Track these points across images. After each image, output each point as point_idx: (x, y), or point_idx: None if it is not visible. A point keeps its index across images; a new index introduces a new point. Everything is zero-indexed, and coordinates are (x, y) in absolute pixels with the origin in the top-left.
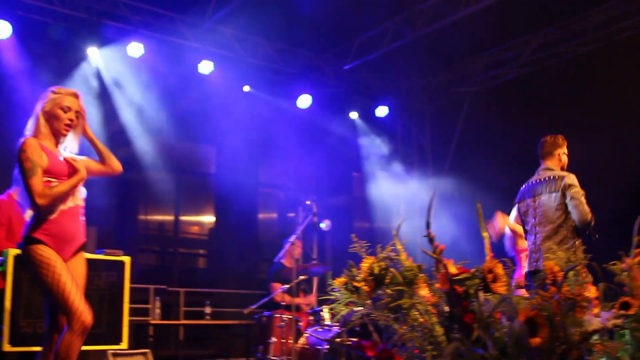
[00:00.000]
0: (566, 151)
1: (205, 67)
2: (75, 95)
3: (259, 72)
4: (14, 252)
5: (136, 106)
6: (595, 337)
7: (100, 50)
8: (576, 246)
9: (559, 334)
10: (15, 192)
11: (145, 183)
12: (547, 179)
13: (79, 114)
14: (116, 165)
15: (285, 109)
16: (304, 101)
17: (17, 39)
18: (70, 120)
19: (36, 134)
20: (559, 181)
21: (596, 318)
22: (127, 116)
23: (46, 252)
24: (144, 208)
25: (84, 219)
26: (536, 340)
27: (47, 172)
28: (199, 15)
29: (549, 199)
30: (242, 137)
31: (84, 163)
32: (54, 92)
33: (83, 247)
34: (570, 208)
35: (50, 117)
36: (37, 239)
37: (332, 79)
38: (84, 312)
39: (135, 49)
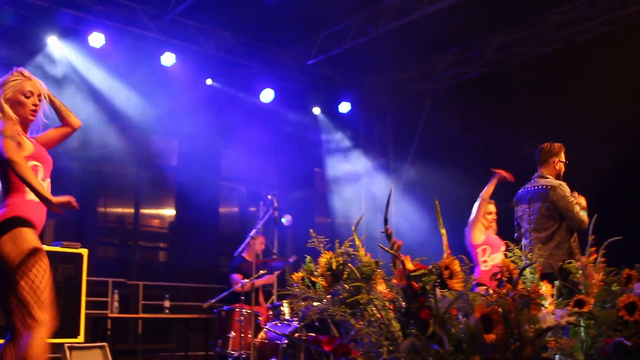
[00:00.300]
0: (563, 158)
1: (168, 59)
2: (33, 78)
3: (222, 65)
4: None
5: (97, 97)
6: (550, 334)
7: (60, 40)
8: (572, 247)
9: (513, 331)
10: None
11: (105, 175)
12: (539, 187)
13: (40, 97)
14: (75, 121)
15: (248, 102)
16: (267, 95)
17: None
18: (35, 105)
19: (6, 121)
20: (550, 192)
21: (550, 315)
22: (88, 108)
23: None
24: (103, 200)
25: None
26: (491, 337)
27: (32, 157)
28: (161, 6)
29: (541, 208)
30: (204, 130)
31: (46, 136)
32: (12, 78)
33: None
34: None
35: (14, 104)
36: (25, 220)
37: (295, 73)
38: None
39: (97, 39)
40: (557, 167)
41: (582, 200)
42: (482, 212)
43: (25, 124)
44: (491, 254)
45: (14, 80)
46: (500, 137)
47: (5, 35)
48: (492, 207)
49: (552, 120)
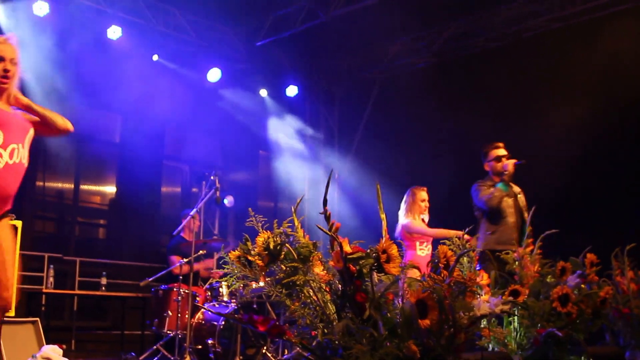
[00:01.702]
0: (493, 156)
1: (114, 32)
2: (5, 42)
3: (170, 41)
4: None
5: (39, 69)
6: (484, 322)
7: (2, 5)
8: (488, 238)
9: (448, 317)
10: None
11: (45, 149)
12: None
13: (14, 61)
14: (63, 125)
15: (194, 81)
16: (214, 75)
17: None
18: (6, 70)
19: None
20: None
21: (485, 303)
22: (28, 78)
23: None
24: (42, 174)
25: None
26: (425, 322)
27: None
28: None
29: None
30: (148, 107)
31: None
32: None
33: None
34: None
35: None
36: None
37: (243, 54)
38: None
39: (40, 7)
40: (488, 168)
41: (510, 164)
42: (416, 201)
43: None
44: (427, 245)
45: None
46: (446, 127)
47: None
48: (424, 194)
49: (498, 112)
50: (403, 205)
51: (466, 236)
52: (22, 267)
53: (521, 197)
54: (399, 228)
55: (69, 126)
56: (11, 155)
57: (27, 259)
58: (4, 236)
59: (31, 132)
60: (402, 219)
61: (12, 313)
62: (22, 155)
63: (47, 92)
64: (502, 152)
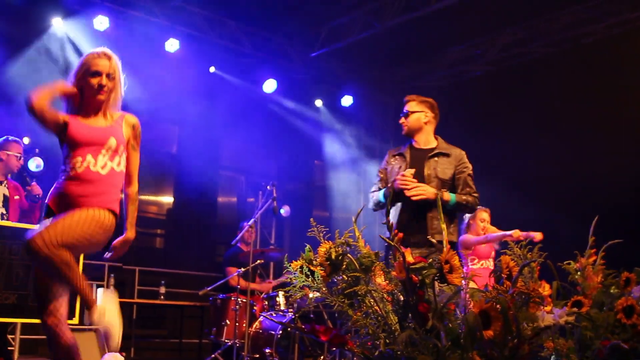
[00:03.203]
0: None
1: (172, 45)
2: (102, 56)
3: (226, 53)
4: None
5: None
6: (547, 334)
7: (65, 22)
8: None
9: (511, 328)
10: None
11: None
12: None
13: (112, 76)
14: (133, 192)
15: (250, 92)
16: (270, 86)
17: None
18: (101, 85)
19: (73, 103)
20: None
21: (549, 314)
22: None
23: None
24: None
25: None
26: (489, 333)
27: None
28: None
29: None
30: (205, 118)
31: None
32: (85, 56)
33: None
34: None
35: (84, 84)
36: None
37: (299, 65)
38: None
39: (101, 22)
40: None
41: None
42: (476, 220)
43: (95, 105)
44: (479, 261)
45: (87, 58)
46: (502, 135)
47: (11, 14)
48: (486, 215)
49: (555, 120)
50: (466, 222)
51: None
52: (85, 276)
53: None
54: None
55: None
56: (74, 167)
57: (88, 268)
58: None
59: (111, 142)
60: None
61: (75, 321)
62: (89, 163)
63: None
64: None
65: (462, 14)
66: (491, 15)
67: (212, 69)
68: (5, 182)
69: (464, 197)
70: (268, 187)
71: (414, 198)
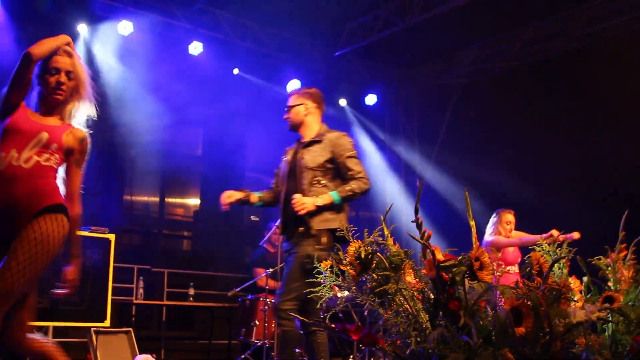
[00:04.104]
0: None
1: (195, 48)
2: (64, 53)
3: (249, 55)
4: None
5: (122, 85)
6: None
7: (89, 27)
8: None
9: (543, 325)
10: None
11: (131, 164)
12: None
13: (72, 75)
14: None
15: (274, 93)
16: (293, 86)
17: (5, 13)
18: (59, 83)
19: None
20: None
21: (581, 310)
22: (115, 95)
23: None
24: (129, 189)
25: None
26: (521, 330)
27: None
28: None
29: None
30: (230, 120)
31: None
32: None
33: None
34: None
35: (41, 82)
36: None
37: (322, 65)
38: None
39: (125, 27)
40: None
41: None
42: (502, 222)
43: (49, 105)
44: (506, 266)
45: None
46: (527, 132)
47: (38, 20)
48: (511, 217)
49: (579, 116)
50: (489, 225)
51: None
52: (114, 279)
53: None
54: (484, 244)
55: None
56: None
57: (117, 271)
58: (36, 228)
59: (42, 136)
60: (488, 236)
61: (107, 323)
62: (11, 158)
63: (130, 108)
64: None
65: (484, 10)
66: (513, 11)
67: (235, 71)
68: None
69: (347, 188)
70: None
71: (299, 214)
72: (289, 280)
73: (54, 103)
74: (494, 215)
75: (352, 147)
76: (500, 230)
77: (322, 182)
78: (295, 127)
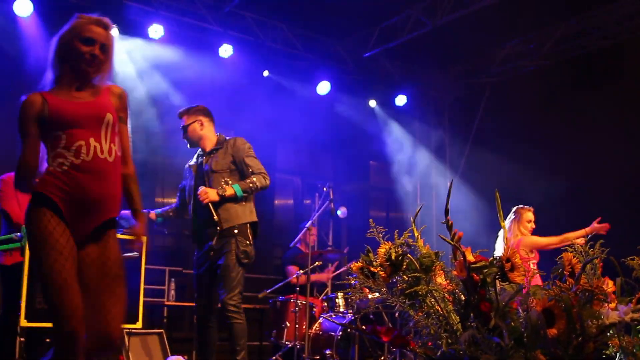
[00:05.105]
0: None
1: (225, 50)
2: (99, 23)
3: (279, 57)
4: None
5: (154, 90)
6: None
7: (120, 31)
8: None
9: (575, 326)
10: None
11: (162, 166)
12: None
13: (106, 48)
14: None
15: (304, 94)
16: (323, 87)
17: (38, 17)
18: (93, 55)
19: (53, 74)
20: None
21: (614, 311)
22: (145, 98)
23: (48, 219)
24: (161, 190)
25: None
26: (553, 331)
27: (51, 124)
28: None
29: None
30: (260, 122)
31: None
32: (77, 19)
33: (113, 223)
34: None
35: (69, 51)
36: (44, 197)
37: (351, 66)
38: (72, 318)
39: (156, 30)
40: None
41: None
42: (522, 221)
43: (78, 77)
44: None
45: (78, 21)
46: (559, 130)
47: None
48: (531, 215)
49: (611, 113)
50: (507, 225)
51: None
52: (146, 280)
53: None
54: (516, 246)
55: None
56: (78, 154)
57: (149, 273)
58: (107, 252)
59: (108, 117)
60: (512, 236)
61: (139, 325)
62: (96, 150)
63: (162, 112)
64: None
65: (514, 8)
66: (544, 9)
67: (265, 73)
68: None
69: (248, 181)
70: (324, 188)
71: (203, 203)
72: (229, 277)
73: (82, 76)
74: (512, 213)
75: (249, 147)
76: (521, 230)
77: (229, 182)
78: (195, 143)
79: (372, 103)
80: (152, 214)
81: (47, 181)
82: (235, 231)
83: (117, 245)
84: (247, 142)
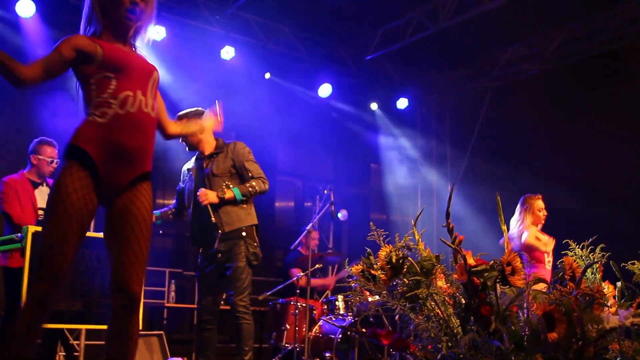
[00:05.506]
0: None
1: (227, 52)
2: None
3: (281, 59)
4: (33, 229)
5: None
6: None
7: None
8: None
9: (576, 330)
10: (28, 173)
11: (161, 167)
12: None
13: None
14: (175, 132)
15: (305, 97)
16: (325, 90)
17: (40, 18)
18: (133, 3)
19: (91, 28)
20: None
21: (614, 316)
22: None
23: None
24: (161, 192)
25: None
26: (553, 335)
27: (104, 64)
28: (222, 0)
29: None
30: (261, 124)
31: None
32: None
33: (147, 176)
34: None
35: (108, 2)
36: (78, 150)
37: (353, 68)
38: (46, 279)
39: (158, 32)
40: None
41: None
42: (533, 211)
43: (118, 30)
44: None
45: None
46: (560, 135)
47: (76, 28)
48: (542, 203)
49: (613, 118)
50: (517, 217)
51: None
52: (146, 282)
53: None
54: (520, 242)
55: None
56: (123, 104)
57: (149, 274)
58: (137, 203)
59: (155, 74)
60: (522, 234)
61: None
62: (142, 103)
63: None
64: None
65: (517, 12)
66: (546, 13)
67: (267, 75)
68: (44, 182)
69: (247, 185)
70: (325, 191)
71: (202, 204)
72: (239, 279)
73: (123, 29)
74: (520, 204)
75: (249, 152)
76: (534, 220)
77: (230, 186)
78: (194, 147)
79: (374, 106)
80: (152, 215)
81: (84, 132)
82: (243, 234)
83: (148, 201)
84: (247, 146)
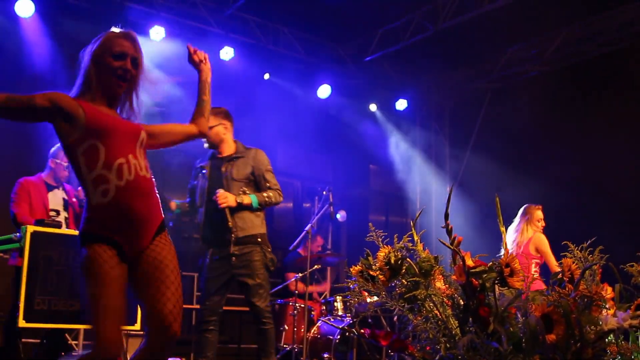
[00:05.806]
0: None
1: (227, 53)
2: (127, 36)
3: (280, 60)
4: (31, 228)
5: (155, 90)
6: (610, 337)
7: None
8: None
9: (574, 332)
10: (46, 176)
11: (164, 169)
12: None
13: (137, 62)
14: (205, 124)
15: (304, 98)
16: (324, 91)
17: (39, 18)
18: (125, 70)
19: (82, 90)
20: None
21: (612, 317)
22: (146, 100)
23: (96, 252)
24: (161, 194)
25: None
26: (551, 337)
27: (88, 131)
28: (221, 0)
29: None
30: (260, 124)
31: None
32: (105, 35)
33: (162, 227)
34: None
35: (99, 67)
36: (90, 234)
37: (352, 70)
38: (111, 342)
39: (157, 32)
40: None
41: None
42: (533, 220)
43: (108, 95)
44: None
45: (107, 37)
46: (560, 137)
47: (75, 28)
48: (541, 213)
49: (613, 120)
50: (516, 225)
51: None
52: None
53: None
54: (526, 242)
55: (207, 127)
56: (120, 175)
57: None
58: (164, 253)
59: (142, 135)
60: (525, 235)
61: (137, 327)
62: (136, 167)
63: (163, 113)
64: None
65: (516, 14)
66: (546, 14)
67: (266, 76)
68: (61, 186)
69: (264, 195)
70: (324, 192)
71: (221, 206)
72: (263, 286)
73: (112, 93)
74: (521, 212)
75: (268, 162)
76: (533, 230)
77: (247, 192)
78: (215, 146)
79: (373, 107)
80: (173, 203)
81: (93, 220)
82: (259, 240)
83: (171, 249)
84: (267, 155)
